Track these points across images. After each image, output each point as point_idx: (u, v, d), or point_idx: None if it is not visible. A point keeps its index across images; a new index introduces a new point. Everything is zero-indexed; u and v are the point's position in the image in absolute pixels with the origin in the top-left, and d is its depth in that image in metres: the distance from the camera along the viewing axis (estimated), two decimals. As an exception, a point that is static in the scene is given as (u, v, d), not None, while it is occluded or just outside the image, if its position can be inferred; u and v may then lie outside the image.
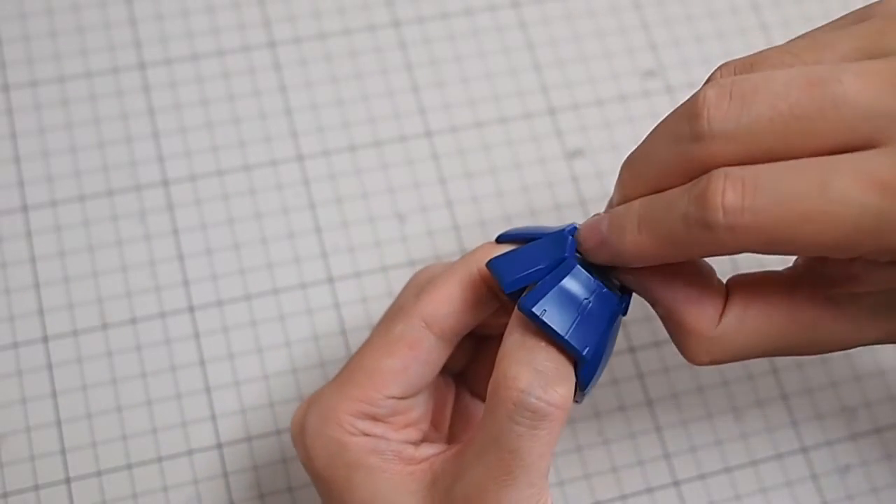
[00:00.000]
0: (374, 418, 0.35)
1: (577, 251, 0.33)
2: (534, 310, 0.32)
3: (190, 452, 0.44)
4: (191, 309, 0.46)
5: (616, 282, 0.34)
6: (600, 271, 0.33)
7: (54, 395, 0.44)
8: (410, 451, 0.35)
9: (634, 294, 0.34)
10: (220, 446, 0.44)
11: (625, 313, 0.34)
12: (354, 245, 0.47)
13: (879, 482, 0.45)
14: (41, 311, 0.45)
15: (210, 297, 0.46)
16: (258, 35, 0.51)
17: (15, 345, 0.44)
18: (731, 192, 0.29)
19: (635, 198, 0.32)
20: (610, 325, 0.33)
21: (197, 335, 0.45)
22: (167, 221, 0.47)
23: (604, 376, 0.46)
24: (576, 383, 0.33)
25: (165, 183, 0.48)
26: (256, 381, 0.45)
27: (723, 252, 0.30)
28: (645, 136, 0.33)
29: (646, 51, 0.52)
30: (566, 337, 0.32)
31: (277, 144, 0.49)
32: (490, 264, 0.34)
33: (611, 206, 0.34)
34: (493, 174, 0.49)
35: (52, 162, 0.47)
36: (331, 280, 0.47)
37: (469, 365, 0.41)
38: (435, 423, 0.39)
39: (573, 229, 0.34)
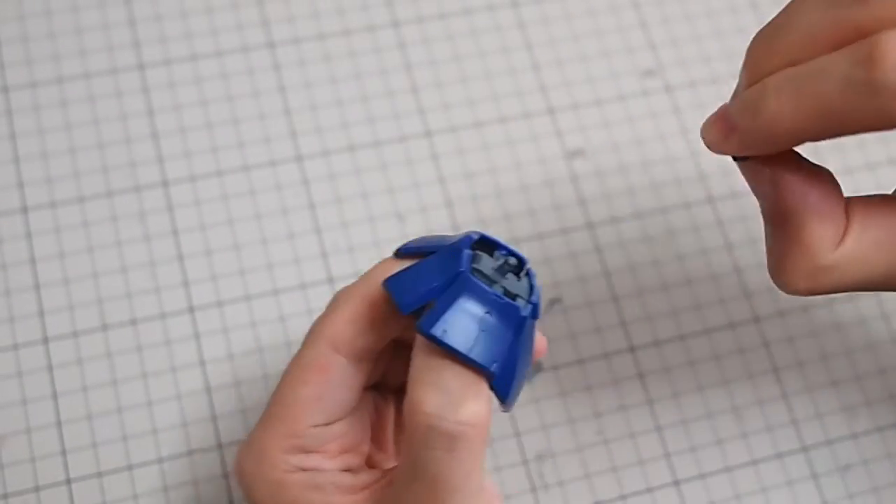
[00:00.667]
0: (305, 450, 0.34)
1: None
2: (433, 332, 0.30)
3: (190, 453, 0.44)
4: (191, 309, 0.46)
5: (526, 282, 0.33)
6: (500, 271, 0.32)
7: (55, 396, 0.44)
8: (349, 480, 0.34)
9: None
10: (220, 447, 0.44)
11: (535, 317, 0.33)
12: (354, 245, 0.47)
13: (880, 481, 0.45)
14: (41, 313, 0.45)
15: (210, 297, 0.46)
16: (257, 35, 0.51)
17: (15, 346, 0.44)
18: None
19: (776, 69, 0.29)
20: (518, 334, 0.32)
21: (197, 335, 0.45)
22: (167, 222, 0.47)
23: (604, 376, 0.46)
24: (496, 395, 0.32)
25: (165, 184, 0.48)
26: (257, 382, 0.45)
27: (881, 125, 0.28)
28: (781, 9, 0.30)
29: (645, 50, 0.52)
30: (470, 355, 0.30)
31: (277, 145, 0.49)
32: (386, 284, 0.33)
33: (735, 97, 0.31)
34: (493, 174, 0.49)
35: (51, 163, 0.47)
36: (331, 280, 0.47)
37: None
38: (377, 443, 0.38)
39: (469, 241, 0.32)
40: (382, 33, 0.51)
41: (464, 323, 0.31)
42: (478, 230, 0.34)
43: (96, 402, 0.44)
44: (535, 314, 0.33)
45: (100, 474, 0.43)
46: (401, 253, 0.35)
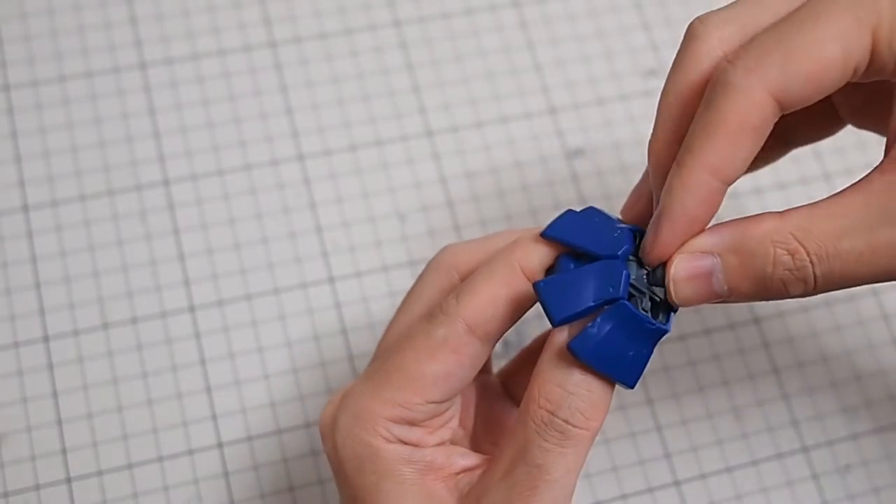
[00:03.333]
0: (411, 423, 0.34)
1: (631, 281, 0.32)
2: (585, 358, 0.31)
3: (190, 452, 0.44)
4: (191, 309, 0.46)
5: (661, 272, 0.33)
6: (649, 279, 0.32)
7: (55, 394, 0.44)
8: (442, 460, 0.34)
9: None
10: (220, 446, 0.44)
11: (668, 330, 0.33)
12: (355, 245, 0.47)
13: (880, 482, 0.45)
14: (42, 311, 0.45)
15: (210, 296, 0.46)
16: (259, 35, 0.51)
17: (16, 344, 0.44)
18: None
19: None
20: (653, 349, 0.32)
21: (198, 335, 0.45)
22: (168, 221, 0.47)
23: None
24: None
25: (166, 183, 0.48)
26: (257, 381, 0.45)
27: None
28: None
29: (647, 50, 0.52)
30: (616, 378, 0.32)
31: (278, 144, 0.49)
32: (538, 290, 0.33)
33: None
34: (494, 174, 0.49)
35: (52, 162, 0.47)
36: (331, 280, 0.47)
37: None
38: (461, 421, 0.38)
39: (627, 251, 0.32)
40: (384, 33, 0.51)
41: (614, 348, 0.32)
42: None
43: (96, 401, 0.44)
44: (668, 328, 0.33)
45: (100, 473, 0.43)
46: (548, 234, 0.34)
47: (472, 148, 0.49)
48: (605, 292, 0.32)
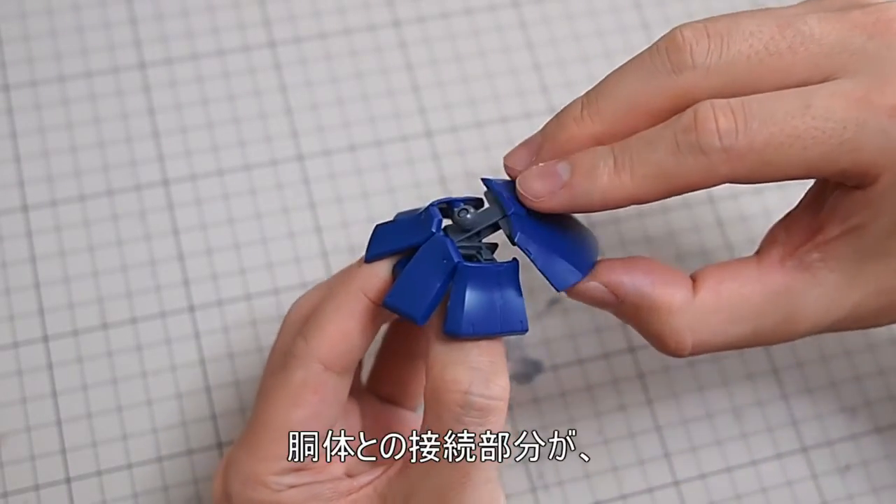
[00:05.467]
0: (298, 469, 0.35)
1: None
2: (464, 332, 0.32)
3: (190, 452, 0.44)
4: (191, 308, 0.46)
5: (495, 207, 0.34)
6: (471, 223, 0.34)
7: (55, 394, 0.44)
8: (346, 484, 0.35)
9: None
10: (220, 446, 0.44)
11: (524, 227, 0.33)
12: (355, 245, 0.47)
13: (879, 482, 0.45)
14: (41, 311, 0.45)
15: (210, 296, 0.46)
16: (258, 35, 0.51)
17: (15, 344, 0.44)
18: (723, 118, 0.31)
19: (590, 134, 0.33)
20: (518, 287, 0.33)
21: (197, 335, 0.45)
22: (167, 221, 0.47)
23: (604, 376, 0.46)
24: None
25: (166, 183, 0.48)
26: (257, 381, 0.45)
27: (708, 182, 0.32)
28: (604, 78, 0.34)
29: (646, 50, 0.52)
30: (504, 331, 0.33)
31: (277, 144, 0.49)
32: (390, 305, 0.33)
33: (536, 147, 0.35)
34: (494, 174, 0.49)
35: (52, 162, 0.47)
36: (331, 280, 0.47)
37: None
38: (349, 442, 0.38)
39: (439, 222, 0.33)
40: (383, 32, 0.51)
41: (483, 306, 0.32)
42: (431, 200, 0.35)
43: (96, 401, 0.44)
44: (521, 227, 0.33)
45: (99, 473, 0.43)
46: (371, 257, 0.35)
47: (472, 148, 0.49)
48: (442, 267, 0.33)
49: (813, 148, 0.31)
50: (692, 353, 0.35)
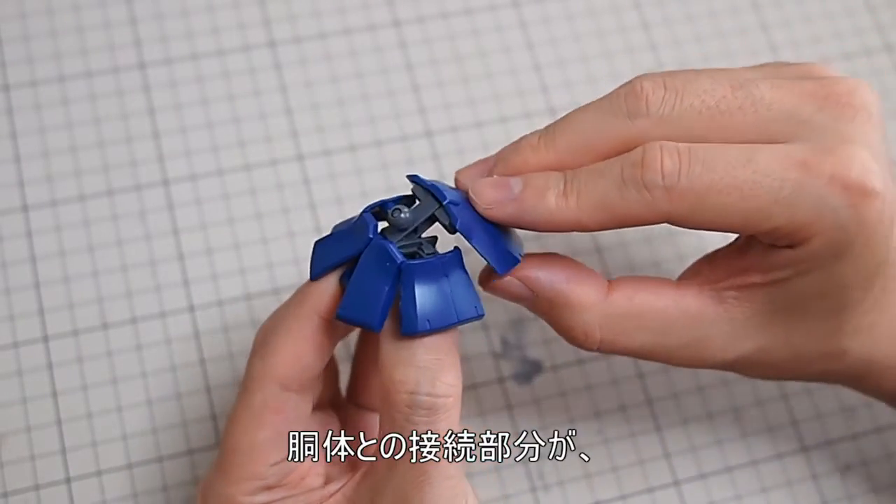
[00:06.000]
0: (269, 488, 0.35)
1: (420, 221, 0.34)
2: (420, 330, 0.33)
3: (190, 452, 0.44)
4: (191, 308, 0.46)
5: (428, 200, 0.34)
6: (407, 221, 0.34)
7: (55, 394, 0.44)
8: (318, 492, 0.35)
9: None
10: (219, 445, 0.44)
11: (457, 219, 0.34)
12: (354, 245, 0.47)
13: (879, 482, 0.45)
14: (41, 311, 0.45)
15: (210, 296, 0.46)
16: (258, 35, 0.51)
17: (15, 344, 0.44)
18: (668, 159, 0.32)
19: (543, 163, 0.34)
20: (466, 275, 0.34)
21: (197, 335, 0.45)
22: (167, 221, 0.47)
23: (604, 376, 0.46)
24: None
25: (165, 183, 0.48)
26: (257, 381, 0.45)
27: (648, 218, 0.33)
28: (566, 115, 0.35)
29: (646, 50, 0.52)
30: (460, 320, 0.33)
31: (277, 144, 0.49)
32: (344, 318, 0.34)
33: (488, 167, 0.36)
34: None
35: (52, 161, 0.47)
36: (331, 280, 0.47)
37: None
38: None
39: (375, 227, 0.34)
40: (383, 32, 0.51)
41: (435, 300, 0.33)
42: (363, 205, 0.35)
43: (96, 401, 0.44)
44: (460, 214, 0.34)
45: (99, 473, 0.43)
46: (317, 274, 0.35)
47: (472, 148, 0.49)
48: (386, 270, 0.33)
49: (750, 200, 0.32)
50: (600, 350, 0.36)
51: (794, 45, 0.53)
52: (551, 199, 0.34)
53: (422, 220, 0.34)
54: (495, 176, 0.35)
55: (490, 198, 0.34)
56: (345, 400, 0.41)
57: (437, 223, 0.35)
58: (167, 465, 0.43)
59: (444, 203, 0.34)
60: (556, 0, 0.53)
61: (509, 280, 0.35)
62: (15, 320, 0.45)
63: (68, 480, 0.43)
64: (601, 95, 0.35)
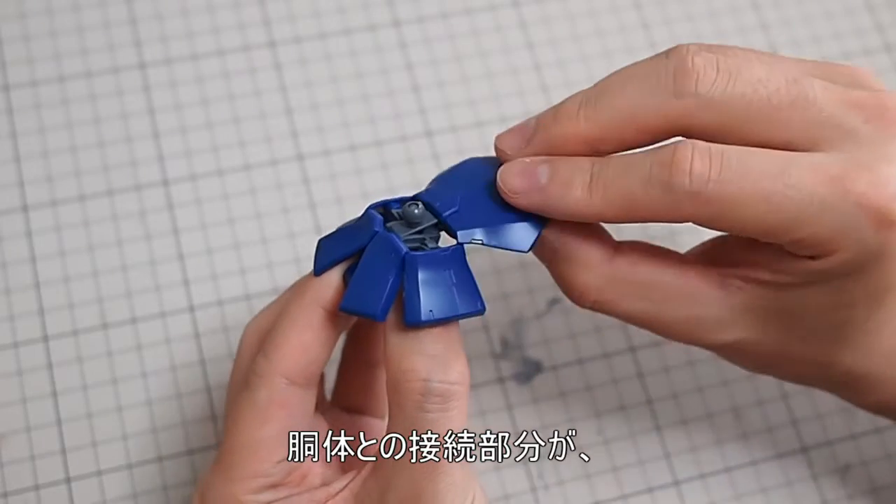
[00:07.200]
0: (273, 486, 0.35)
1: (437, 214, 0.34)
2: (424, 320, 0.33)
3: (190, 452, 0.44)
4: (191, 308, 0.46)
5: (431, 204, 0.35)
6: (414, 221, 0.34)
7: (55, 394, 0.44)
8: (323, 491, 0.35)
9: None
10: (219, 446, 0.44)
11: (456, 221, 0.34)
12: (354, 245, 0.47)
13: (879, 482, 0.45)
14: (41, 311, 0.45)
15: (210, 296, 0.46)
16: (258, 35, 0.51)
17: (15, 344, 0.44)
18: (699, 161, 0.32)
19: (582, 135, 0.34)
20: (467, 267, 0.34)
21: (197, 335, 0.45)
22: (167, 221, 0.47)
23: (604, 376, 0.46)
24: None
25: (165, 183, 0.48)
26: (256, 381, 0.45)
27: (672, 218, 0.33)
28: (606, 78, 0.34)
29: (646, 50, 0.52)
30: (461, 313, 0.33)
31: (277, 144, 0.49)
32: (348, 310, 0.34)
33: (528, 134, 0.35)
34: (494, 174, 0.49)
35: (52, 162, 0.47)
36: (331, 280, 0.47)
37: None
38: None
39: (380, 221, 0.34)
40: (383, 32, 0.51)
41: (438, 291, 0.33)
42: (371, 202, 0.35)
43: (96, 401, 0.44)
44: (461, 224, 0.34)
45: (99, 473, 0.43)
46: (320, 269, 0.35)
47: (472, 148, 0.49)
48: (391, 260, 0.33)
49: (777, 213, 0.32)
50: (593, 308, 0.36)
51: (794, 45, 0.53)
52: (577, 191, 0.33)
53: (430, 223, 0.34)
54: (525, 159, 0.35)
55: (517, 186, 0.34)
56: (330, 404, 0.41)
57: (443, 232, 0.35)
58: (167, 465, 0.43)
59: (444, 217, 0.34)
60: (556, 0, 0.53)
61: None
62: (15, 320, 0.45)
63: (68, 480, 0.43)
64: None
